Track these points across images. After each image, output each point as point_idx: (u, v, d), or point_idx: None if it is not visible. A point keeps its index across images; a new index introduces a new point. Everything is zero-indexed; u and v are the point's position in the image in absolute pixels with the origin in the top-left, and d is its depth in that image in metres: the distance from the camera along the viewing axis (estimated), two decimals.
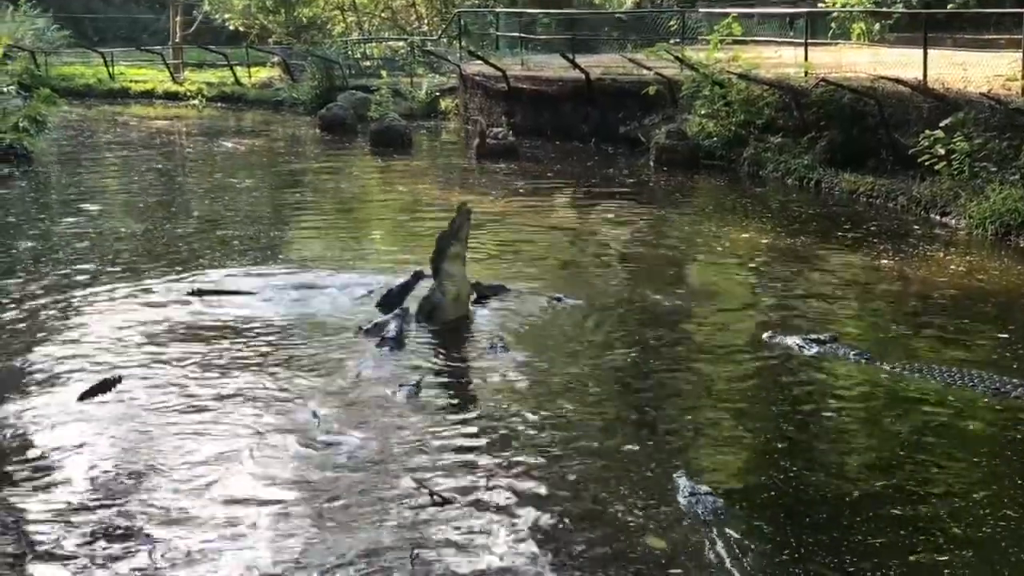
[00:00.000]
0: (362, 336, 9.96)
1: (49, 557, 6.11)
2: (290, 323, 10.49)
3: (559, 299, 11.21)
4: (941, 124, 15.97)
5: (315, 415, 8.12)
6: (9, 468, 7.27)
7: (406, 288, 11.08)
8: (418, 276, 11.18)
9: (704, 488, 6.77)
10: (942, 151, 15.78)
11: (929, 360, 9.33)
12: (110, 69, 39.16)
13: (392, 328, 9.89)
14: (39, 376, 9.06)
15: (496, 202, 17.61)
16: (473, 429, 7.94)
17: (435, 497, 6.72)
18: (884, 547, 6.19)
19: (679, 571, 5.96)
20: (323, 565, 6.03)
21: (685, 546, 6.21)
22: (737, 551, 6.06)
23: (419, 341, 9.96)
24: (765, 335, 10.01)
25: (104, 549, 6.22)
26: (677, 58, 22.55)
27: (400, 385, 8.66)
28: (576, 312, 10.86)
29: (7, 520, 6.40)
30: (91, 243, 14.45)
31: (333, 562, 6.06)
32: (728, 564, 5.97)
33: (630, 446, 7.63)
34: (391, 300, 10.87)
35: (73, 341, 9.97)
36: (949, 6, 23.55)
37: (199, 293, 11.46)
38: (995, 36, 22.88)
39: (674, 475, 7.01)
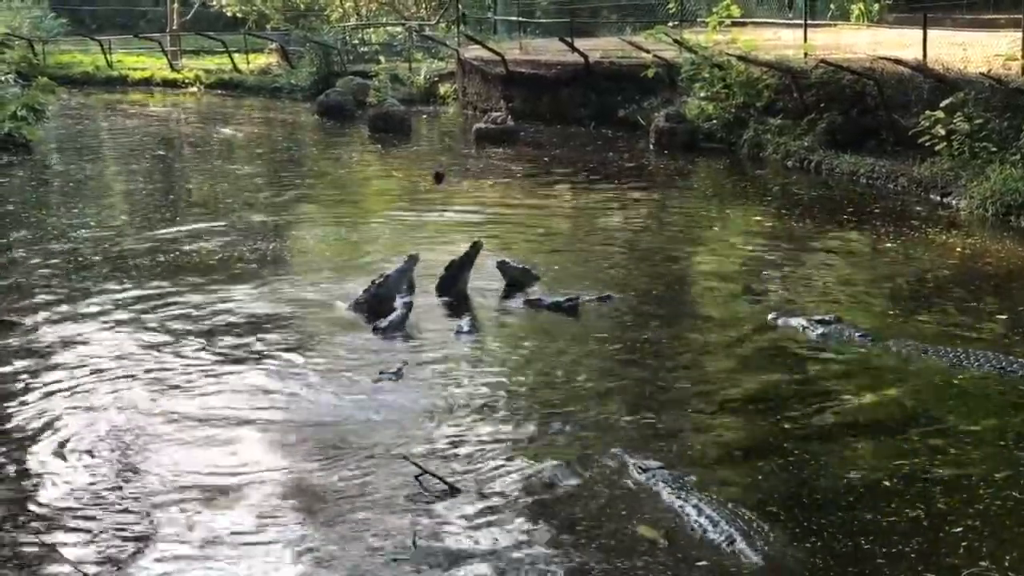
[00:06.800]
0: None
1: None
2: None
3: (608, 297, 10.70)
4: (941, 104, 15.89)
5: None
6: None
7: (463, 265, 10.87)
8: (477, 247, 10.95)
9: (655, 463, 6.79)
10: (942, 132, 15.72)
11: (933, 340, 9.33)
12: (108, 57, 39.02)
13: (395, 316, 9.85)
14: (37, 361, 9.08)
15: (495, 187, 17.57)
16: (459, 414, 7.91)
17: (445, 485, 6.69)
18: (894, 526, 6.20)
19: (698, 557, 5.97)
20: (326, 552, 6.05)
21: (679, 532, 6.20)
22: (750, 534, 6.06)
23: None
24: (770, 316, 10.01)
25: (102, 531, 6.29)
26: (676, 41, 22.46)
27: (381, 372, 8.65)
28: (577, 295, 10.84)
29: None
30: (89, 232, 14.41)
31: (335, 549, 6.08)
32: (744, 547, 5.96)
33: (633, 430, 7.63)
34: (447, 282, 10.80)
35: (71, 335, 9.93)
36: None
37: None
38: (995, 16, 22.85)
39: (612, 451, 7.02)
